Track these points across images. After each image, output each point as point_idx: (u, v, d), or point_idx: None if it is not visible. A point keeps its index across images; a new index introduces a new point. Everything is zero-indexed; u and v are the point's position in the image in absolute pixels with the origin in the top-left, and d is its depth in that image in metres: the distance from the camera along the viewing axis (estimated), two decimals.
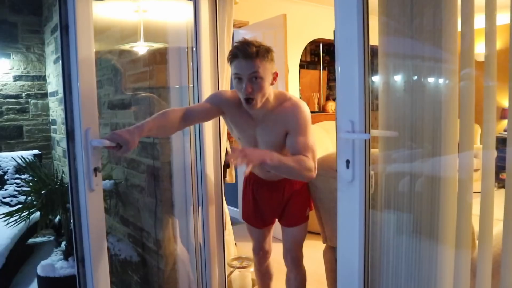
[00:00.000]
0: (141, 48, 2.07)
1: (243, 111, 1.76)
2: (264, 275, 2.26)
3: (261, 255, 2.19)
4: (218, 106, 1.79)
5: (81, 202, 1.54)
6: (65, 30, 1.49)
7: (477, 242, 1.29)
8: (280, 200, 1.96)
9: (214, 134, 2.08)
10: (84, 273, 1.57)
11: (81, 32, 1.49)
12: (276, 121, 1.73)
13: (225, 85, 2.34)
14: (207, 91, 1.99)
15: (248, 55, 1.58)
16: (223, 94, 1.83)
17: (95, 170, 1.52)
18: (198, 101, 1.96)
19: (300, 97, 5.08)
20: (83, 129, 1.49)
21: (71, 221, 1.57)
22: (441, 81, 1.30)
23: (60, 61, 1.51)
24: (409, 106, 1.33)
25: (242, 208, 2.15)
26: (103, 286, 1.61)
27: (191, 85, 2.10)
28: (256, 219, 2.07)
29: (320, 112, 5.70)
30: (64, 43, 1.50)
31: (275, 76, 1.69)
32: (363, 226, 1.31)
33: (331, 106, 5.78)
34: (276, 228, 2.15)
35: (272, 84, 1.70)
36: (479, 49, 1.26)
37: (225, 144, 2.39)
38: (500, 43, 1.24)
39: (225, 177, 2.56)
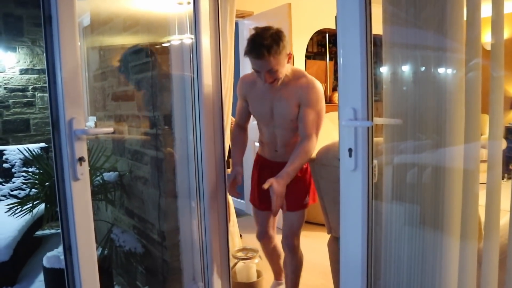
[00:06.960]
0: (187, 40, 2.14)
1: (261, 86, 1.94)
2: (272, 255, 2.36)
3: (264, 240, 2.27)
4: (244, 95, 2.04)
5: (67, 191, 1.56)
6: (48, 21, 1.49)
7: (483, 232, 1.26)
8: None
9: (217, 125, 2.06)
10: (71, 261, 1.61)
11: (64, 23, 1.48)
12: (290, 94, 1.89)
13: (228, 75, 2.32)
14: (208, 81, 1.97)
15: (260, 56, 1.72)
16: (244, 81, 2.05)
17: (80, 159, 1.56)
18: (199, 92, 1.95)
19: None
20: (66, 119, 1.51)
21: (58, 210, 1.59)
22: (447, 71, 1.26)
23: (44, 51, 1.51)
24: (414, 96, 1.31)
25: (250, 190, 2.27)
26: (90, 275, 1.64)
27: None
28: (260, 200, 2.15)
29: (327, 103, 5.64)
30: (47, 33, 1.50)
31: (290, 56, 1.83)
32: (366, 216, 1.29)
33: (338, 97, 5.73)
34: (280, 218, 2.17)
35: (288, 62, 1.84)
36: (487, 38, 1.22)
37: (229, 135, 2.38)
38: (508, 31, 1.19)
39: (228, 167, 2.55)
